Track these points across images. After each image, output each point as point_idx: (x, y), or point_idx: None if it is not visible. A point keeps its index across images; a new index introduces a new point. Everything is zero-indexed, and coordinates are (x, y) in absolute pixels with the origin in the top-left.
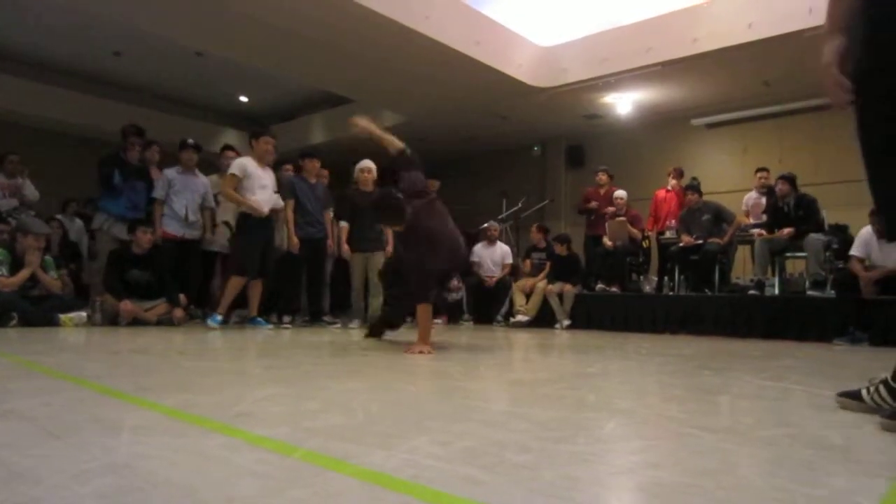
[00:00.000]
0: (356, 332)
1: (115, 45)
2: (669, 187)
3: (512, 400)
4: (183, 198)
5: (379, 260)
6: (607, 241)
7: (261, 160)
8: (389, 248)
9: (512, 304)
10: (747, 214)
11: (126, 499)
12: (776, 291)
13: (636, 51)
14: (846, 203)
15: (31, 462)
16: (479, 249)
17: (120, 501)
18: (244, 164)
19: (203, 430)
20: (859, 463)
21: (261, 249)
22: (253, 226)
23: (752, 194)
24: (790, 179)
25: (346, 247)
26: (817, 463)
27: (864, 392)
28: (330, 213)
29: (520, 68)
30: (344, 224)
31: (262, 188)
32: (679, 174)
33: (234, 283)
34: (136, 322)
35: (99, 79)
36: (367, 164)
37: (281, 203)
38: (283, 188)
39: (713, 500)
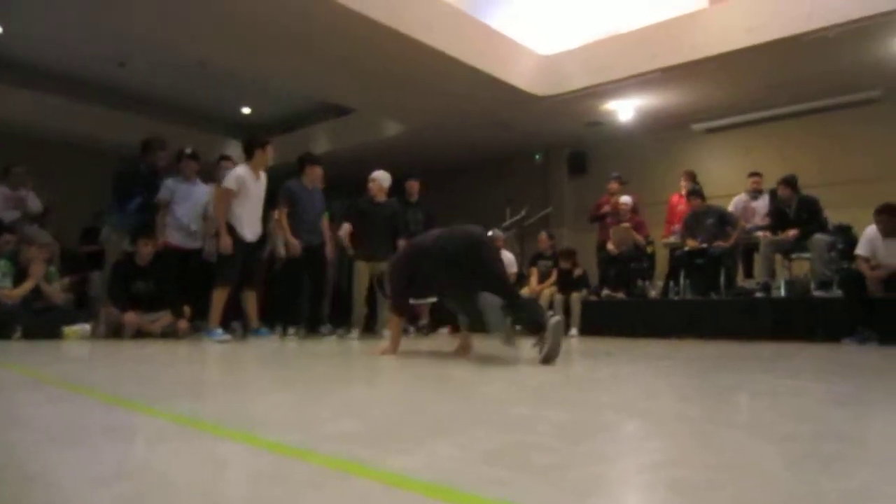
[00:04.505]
0: (356, 342)
1: (120, 56)
2: (683, 192)
3: (527, 403)
4: (184, 207)
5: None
6: (611, 247)
7: (257, 170)
8: None
9: None
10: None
11: (144, 502)
12: (782, 293)
13: (637, 57)
14: (849, 203)
15: (44, 468)
16: None
17: None
18: (242, 177)
19: (217, 437)
20: (884, 456)
21: (244, 258)
22: (238, 230)
23: (742, 197)
24: (791, 183)
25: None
26: (844, 456)
27: None
28: (325, 219)
29: (521, 77)
30: (347, 226)
31: (254, 201)
32: (690, 177)
33: (219, 294)
34: (139, 334)
35: (103, 89)
36: (376, 174)
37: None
38: (279, 195)
39: (743, 494)
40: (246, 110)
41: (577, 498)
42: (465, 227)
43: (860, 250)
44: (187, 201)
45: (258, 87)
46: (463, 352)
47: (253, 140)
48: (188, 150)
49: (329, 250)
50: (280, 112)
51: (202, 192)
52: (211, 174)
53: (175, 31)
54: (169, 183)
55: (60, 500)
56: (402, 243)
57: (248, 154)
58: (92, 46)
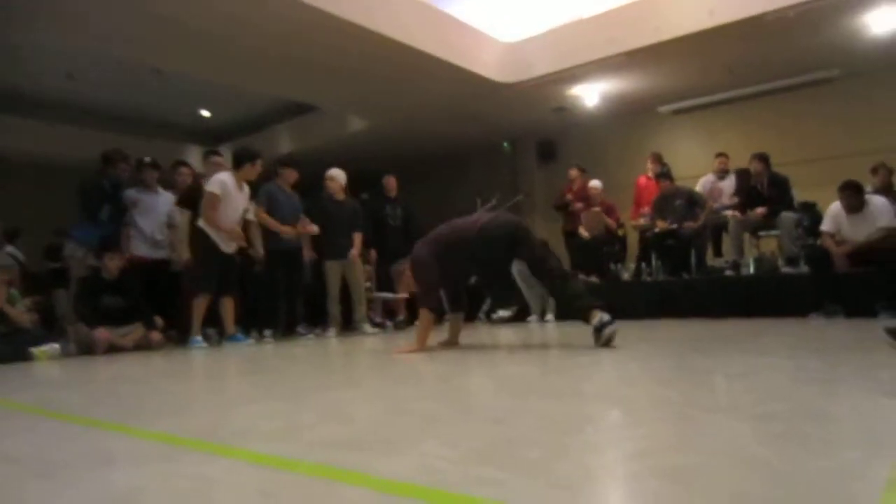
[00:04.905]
0: (334, 340)
1: (68, 68)
2: (650, 174)
3: (511, 396)
4: (148, 218)
5: (357, 267)
6: (583, 232)
7: (241, 181)
8: (354, 252)
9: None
10: None
11: None
12: (751, 270)
13: (600, 41)
14: (812, 182)
15: (20, 502)
16: None
17: None
18: (226, 182)
19: (201, 454)
20: (863, 433)
21: (221, 265)
22: (213, 241)
23: (710, 177)
24: (764, 158)
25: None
26: (824, 435)
27: None
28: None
29: (485, 65)
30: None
31: (234, 210)
32: (657, 159)
33: (199, 303)
34: (112, 349)
35: (54, 104)
36: (332, 172)
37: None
38: (258, 196)
39: (732, 478)
40: (205, 113)
41: (569, 492)
42: (504, 214)
43: (825, 226)
44: (151, 212)
45: (217, 89)
46: (450, 344)
47: (245, 152)
48: (147, 159)
49: (306, 252)
50: (241, 113)
51: (165, 201)
52: (168, 181)
53: (127, 41)
54: (131, 194)
55: None
56: (357, 238)
57: (238, 164)
58: (38, 60)
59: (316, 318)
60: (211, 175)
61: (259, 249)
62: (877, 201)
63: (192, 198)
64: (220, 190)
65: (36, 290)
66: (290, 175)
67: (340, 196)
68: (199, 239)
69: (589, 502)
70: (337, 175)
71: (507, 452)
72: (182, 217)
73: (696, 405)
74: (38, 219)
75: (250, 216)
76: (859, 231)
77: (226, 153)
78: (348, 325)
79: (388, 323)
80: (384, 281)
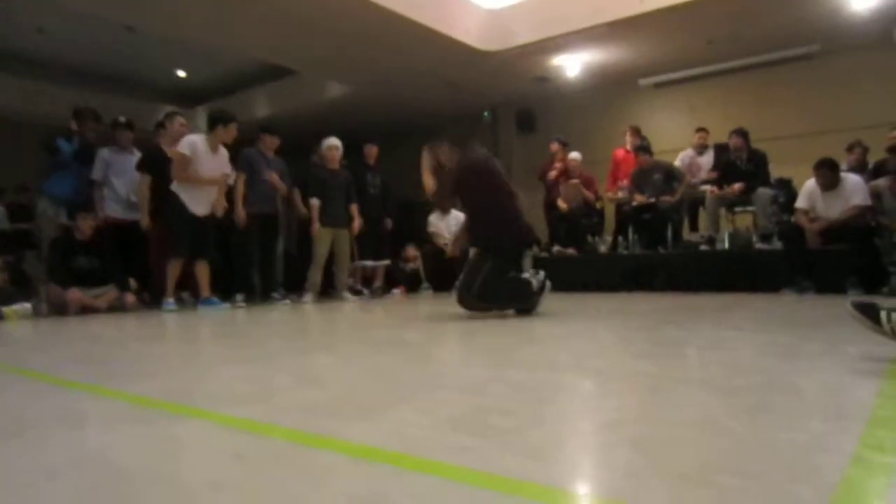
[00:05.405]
0: (311, 306)
1: (37, 22)
2: (628, 146)
3: (486, 365)
4: (122, 179)
5: (345, 236)
6: (562, 204)
7: (215, 144)
8: (356, 224)
9: None
10: None
11: (101, 491)
12: (726, 245)
13: (583, 11)
14: (790, 158)
15: None
16: (434, 219)
17: (96, 495)
18: (195, 143)
19: (174, 416)
20: (832, 407)
21: (193, 228)
22: (186, 203)
23: (689, 152)
24: (744, 134)
25: (316, 225)
26: (793, 409)
27: (883, 315)
28: (295, 193)
29: (466, 32)
30: (315, 201)
31: (207, 172)
32: (636, 132)
33: (172, 267)
34: (84, 310)
35: (23, 58)
36: (335, 141)
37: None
38: (238, 162)
39: (701, 449)
40: (181, 73)
41: (542, 461)
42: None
43: (800, 203)
44: (125, 172)
45: (193, 49)
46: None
47: (219, 114)
48: (122, 119)
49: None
50: (218, 74)
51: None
52: (143, 142)
53: None
54: (104, 154)
55: (6, 495)
56: (355, 209)
57: (211, 127)
58: (7, 13)
59: (292, 284)
60: (171, 137)
61: (240, 212)
62: (851, 179)
63: (151, 162)
64: (189, 151)
65: (3, 249)
66: (272, 142)
67: (336, 166)
68: (169, 202)
69: (561, 471)
70: (339, 144)
71: (480, 421)
72: (142, 181)
73: (669, 377)
74: (5, 177)
75: (231, 182)
76: (833, 208)
77: (201, 115)
78: (323, 292)
79: (366, 291)
80: (365, 248)
